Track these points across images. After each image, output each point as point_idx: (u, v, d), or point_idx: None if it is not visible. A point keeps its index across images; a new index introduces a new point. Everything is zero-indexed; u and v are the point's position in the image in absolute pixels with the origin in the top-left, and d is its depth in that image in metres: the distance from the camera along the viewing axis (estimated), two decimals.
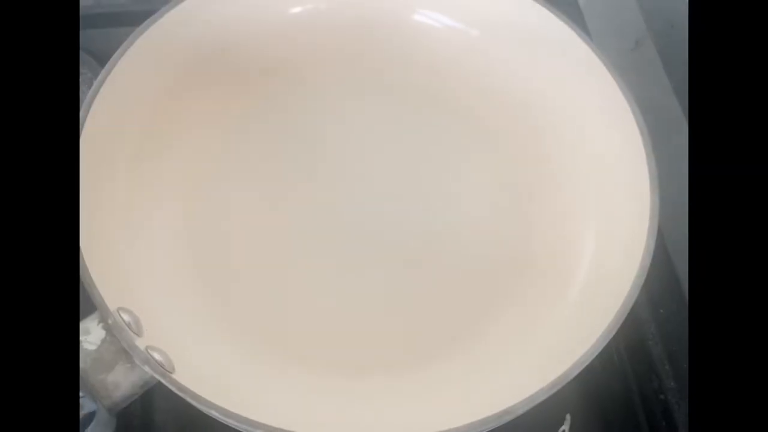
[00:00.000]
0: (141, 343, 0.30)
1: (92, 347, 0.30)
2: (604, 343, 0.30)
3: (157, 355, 0.30)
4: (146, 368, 0.29)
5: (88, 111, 0.34)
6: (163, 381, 0.29)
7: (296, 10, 0.41)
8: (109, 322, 0.29)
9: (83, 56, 0.45)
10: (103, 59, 0.44)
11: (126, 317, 0.31)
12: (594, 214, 0.37)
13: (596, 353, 0.30)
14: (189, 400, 0.29)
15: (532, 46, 0.40)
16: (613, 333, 0.30)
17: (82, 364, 0.29)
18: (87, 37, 0.45)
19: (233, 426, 0.29)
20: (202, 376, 0.31)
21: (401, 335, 0.35)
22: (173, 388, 0.29)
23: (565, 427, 0.37)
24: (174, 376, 0.30)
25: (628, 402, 0.38)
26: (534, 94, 0.41)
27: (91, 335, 0.30)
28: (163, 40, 0.37)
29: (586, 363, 0.30)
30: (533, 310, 0.35)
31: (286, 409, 0.32)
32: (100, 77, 0.35)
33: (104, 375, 0.29)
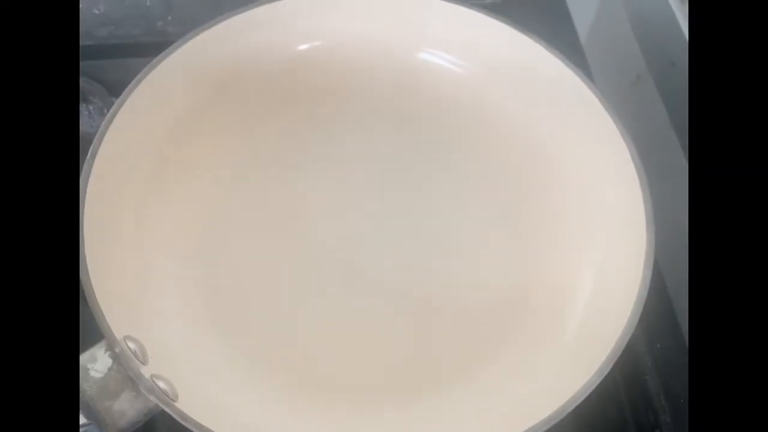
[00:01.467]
0: (146, 371, 0.31)
1: (99, 375, 0.30)
2: (600, 379, 0.31)
3: (161, 384, 0.31)
4: (151, 397, 0.30)
5: (99, 144, 0.35)
6: (167, 409, 0.30)
7: (303, 47, 0.43)
8: (116, 351, 0.30)
9: (96, 86, 0.46)
10: (114, 90, 0.46)
11: (132, 345, 0.31)
12: (592, 253, 0.38)
13: (592, 388, 0.30)
14: (191, 428, 0.30)
15: (535, 86, 0.41)
16: (608, 370, 0.31)
17: (88, 392, 0.30)
18: (99, 67, 0.47)
19: None
20: (206, 404, 0.32)
21: (400, 369, 0.36)
22: (177, 417, 0.30)
23: None
24: (177, 404, 0.30)
25: None
26: (535, 134, 0.42)
27: (97, 363, 0.30)
28: (174, 76, 0.39)
29: (582, 398, 0.30)
30: (531, 347, 0.36)
31: None
32: (112, 110, 0.36)
33: (110, 402, 0.30)
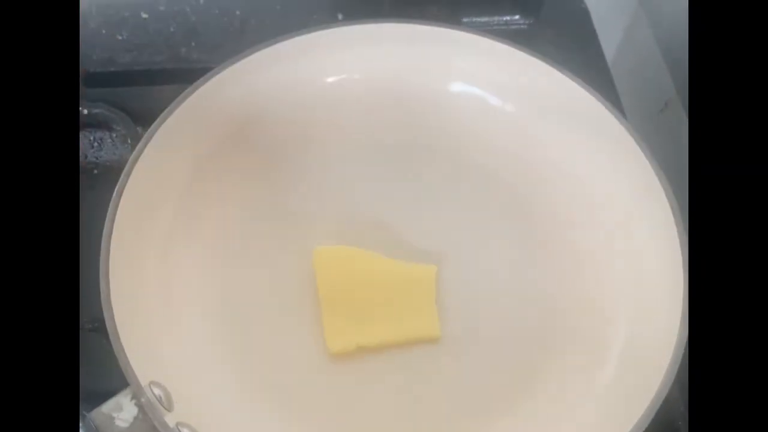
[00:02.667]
0: (171, 419, 0.30)
1: (125, 425, 0.30)
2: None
3: None
4: None
5: (125, 183, 0.35)
6: None
7: (331, 79, 0.42)
8: (142, 400, 0.30)
9: (119, 114, 0.46)
10: (137, 117, 0.45)
11: (157, 391, 0.31)
12: (625, 295, 0.37)
13: None
14: None
15: (567, 121, 0.41)
16: (648, 422, 0.30)
17: None
18: (122, 94, 0.47)
19: None
20: None
21: (436, 414, 0.35)
22: None
23: None
24: None
25: None
26: (566, 170, 0.41)
27: (123, 412, 0.30)
28: (201, 110, 0.38)
29: None
30: (564, 394, 0.35)
31: None
32: (138, 146, 0.36)
33: None
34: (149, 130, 0.37)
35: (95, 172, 0.45)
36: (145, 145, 0.36)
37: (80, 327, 0.38)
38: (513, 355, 0.36)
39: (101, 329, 0.37)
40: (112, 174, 0.41)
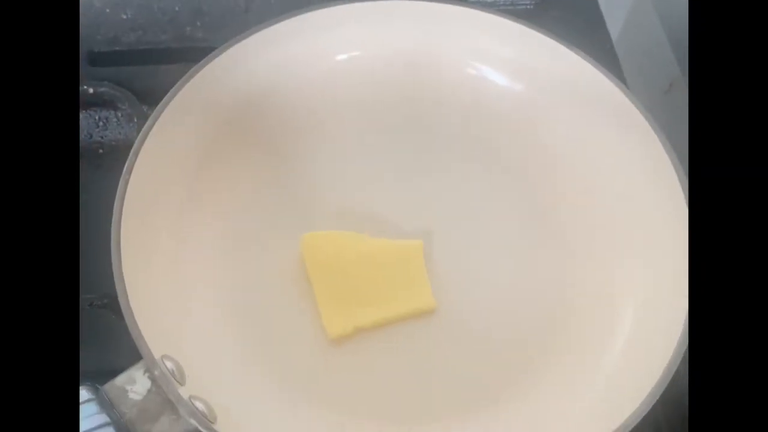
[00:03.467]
0: (185, 392, 0.30)
1: (138, 398, 0.30)
2: (647, 409, 0.30)
3: (200, 405, 0.30)
4: (192, 420, 0.29)
5: (135, 159, 0.34)
6: None
7: (342, 57, 0.42)
8: (155, 373, 0.30)
9: (124, 93, 0.45)
10: (143, 96, 0.45)
11: (170, 365, 0.31)
12: (636, 273, 0.37)
13: (639, 419, 0.30)
14: None
15: (578, 101, 0.41)
16: (656, 398, 0.30)
17: (128, 414, 0.30)
18: (127, 73, 0.46)
19: None
20: (242, 426, 0.31)
21: (447, 392, 0.35)
22: None
23: None
24: (216, 426, 0.30)
25: None
26: (579, 150, 0.41)
27: (136, 385, 0.30)
28: (211, 87, 0.38)
29: (629, 428, 0.30)
30: (577, 370, 0.35)
31: None
32: (147, 123, 0.36)
33: (150, 426, 0.30)
34: (158, 106, 0.36)
35: (101, 151, 0.45)
36: (154, 122, 0.36)
37: (91, 304, 0.38)
38: (513, 331, 0.37)
39: (111, 306, 0.38)
40: (118, 153, 0.41)
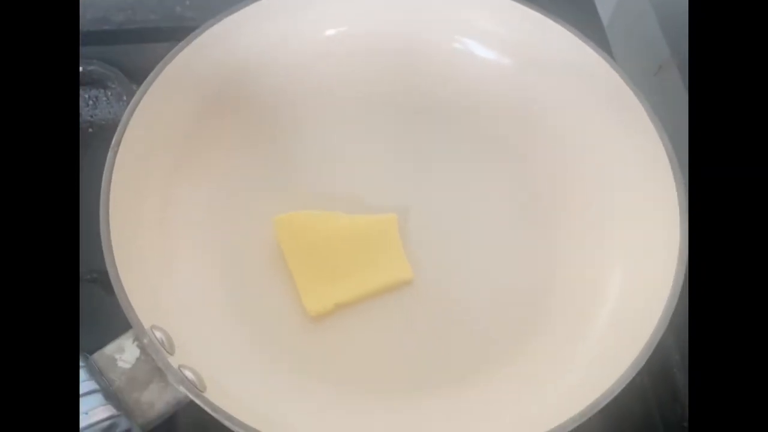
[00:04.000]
0: (174, 361, 0.30)
1: (127, 366, 0.30)
2: (631, 377, 0.30)
3: (189, 374, 0.31)
4: (180, 388, 0.29)
5: (123, 132, 0.34)
6: (197, 400, 0.30)
7: (330, 32, 0.42)
8: (144, 341, 0.30)
9: (114, 72, 0.45)
10: (132, 75, 0.45)
11: (159, 335, 0.31)
12: (624, 245, 0.37)
13: (622, 387, 0.30)
14: (221, 419, 0.29)
15: (566, 75, 0.41)
16: (640, 368, 0.31)
17: (117, 382, 0.30)
18: (117, 52, 0.46)
19: None
20: (232, 395, 0.32)
21: (428, 362, 0.35)
22: (206, 408, 0.29)
23: None
24: (206, 395, 0.30)
25: (651, 429, 0.38)
26: (565, 124, 0.41)
27: (125, 353, 0.30)
28: (197, 61, 0.38)
29: (611, 397, 0.30)
30: (561, 340, 0.35)
31: (318, 429, 0.32)
32: (135, 96, 0.36)
33: (139, 394, 0.30)
34: (146, 80, 0.36)
35: (90, 131, 0.45)
36: (142, 95, 0.36)
37: (80, 278, 0.38)
38: (509, 306, 0.37)
39: (100, 280, 0.38)
40: (108, 132, 0.41)
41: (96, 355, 0.30)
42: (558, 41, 0.40)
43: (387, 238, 0.37)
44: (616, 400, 0.34)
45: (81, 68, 0.45)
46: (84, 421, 0.28)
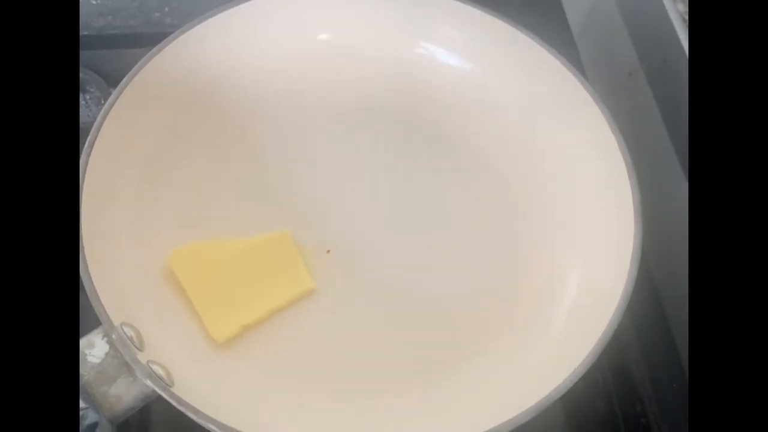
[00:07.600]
0: (142, 357, 0.31)
1: (96, 360, 0.31)
2: (587, 368, 0.31)
3: (158, 369, 0.31)
4: (148, 382, 0.30)
5: (97, 133, 0.35)
6: (164, 395, 0.30)
7: (294, 42, 0.43)
8: (113, 336, 0.31)
9: (93, 76, 0.46)
10: (112, 80, 0.46)
11: (129, 332, 0.32)
12: (580, 245, 0.38)
13: (579, 376, 0.31)
14: (188, 414, 0.30)
15: (526, 80, 0.42)
16: (595, 359, 0.32)
17: (86, 377, 0.30)
18: (97, 57, 0.47)
19: None
20: (200, 390, 0.32)
21: (389, 361, 0.36)
22: (173, 402, 0.30)
23: None
24: (174, 390, 0.31)
25: (611, 424, 0.39)
26: (525, 127, 0.42)
27: (95, 349, 0.31)
28: (172, 66, 0.39)
29: (569, 386, 0.31)
30: (521, 336, 0.36)
31: (283, 424, 0.33)
32: (110, 99, 0.37)
33: (107, 387, 0.30)
34: (121, 83, 0.37)
35: None
36: (117, 97, 0.37)
37: None
38: (469, 303, 0.38)
39: None
40: (86, 136, 0.42)
41: None
42: (519, 47, 0.41)
43: (283, 252, 0.38)
44: (577, 396, 0.36)
45: None
46: None
